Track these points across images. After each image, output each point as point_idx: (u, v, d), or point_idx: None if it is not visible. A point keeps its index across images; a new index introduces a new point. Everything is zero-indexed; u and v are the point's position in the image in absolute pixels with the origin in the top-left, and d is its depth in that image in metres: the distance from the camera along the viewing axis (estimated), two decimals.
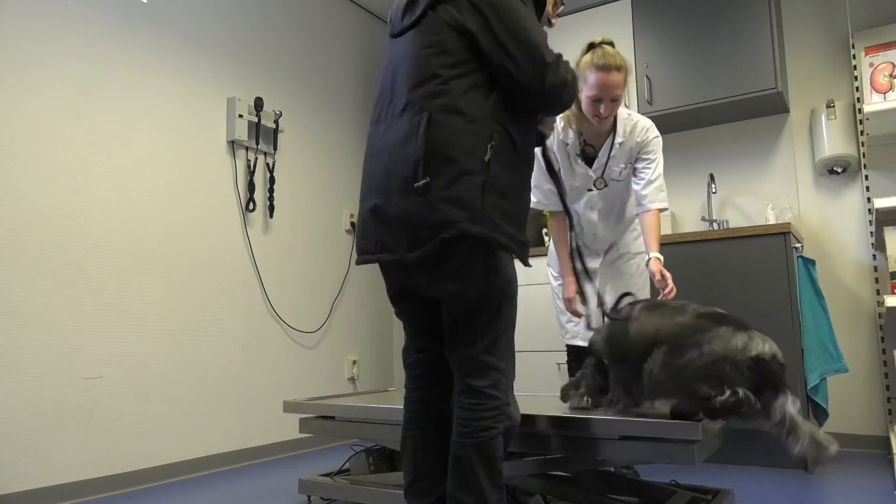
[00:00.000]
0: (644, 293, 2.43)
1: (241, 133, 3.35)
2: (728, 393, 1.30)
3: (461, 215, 1.42)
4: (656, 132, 2.36)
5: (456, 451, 1.49)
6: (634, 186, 2.37)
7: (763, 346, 1.37)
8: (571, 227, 2.00)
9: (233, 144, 3.37)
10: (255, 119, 3.42)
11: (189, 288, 3.07)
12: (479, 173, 1.45)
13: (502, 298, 1.53)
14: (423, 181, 1.43)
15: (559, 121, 2.36)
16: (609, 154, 2.35)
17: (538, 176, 2.35)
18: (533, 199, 2.39)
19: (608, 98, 2.21)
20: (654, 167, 2.33)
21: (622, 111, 2.34)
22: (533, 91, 1.51)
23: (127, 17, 2.93)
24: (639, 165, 2.35)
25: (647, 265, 2.29)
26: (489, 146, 1.46)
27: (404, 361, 1.75)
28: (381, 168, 1.54)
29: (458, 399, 1.53)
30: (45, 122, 2.59)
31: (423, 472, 1.63)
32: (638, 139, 2.33)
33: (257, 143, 3.45)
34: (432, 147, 1.45)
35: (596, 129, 2.33)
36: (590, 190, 2.42)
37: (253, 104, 3.42)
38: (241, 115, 3.35)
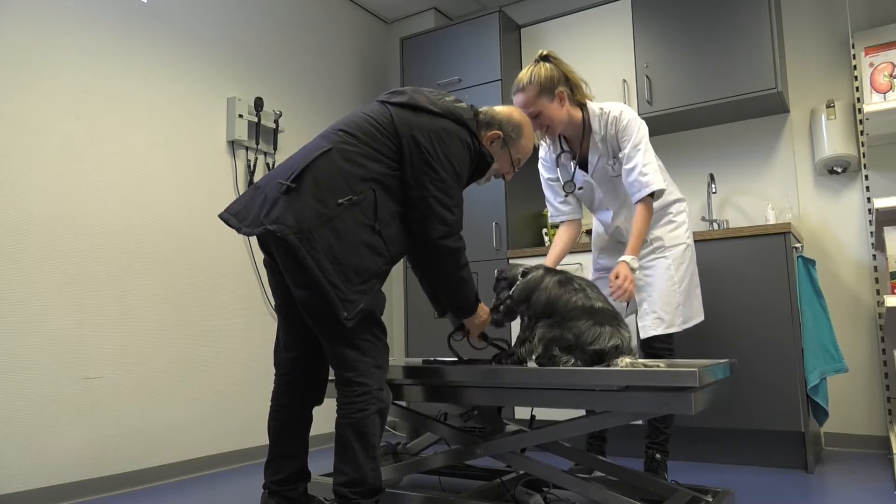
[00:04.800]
0: (680, 288, 2.34)
1: (241, 133, 3.36)
2: (571, 360, 1.84)
3: (292, 224, 1.67)
4: (629, 116, 2.28)
5: (337, 430, 1.75)
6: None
7: (608, 342, 1.83)
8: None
9: (233, 144, 3.37)
10: (255, 119, 3.42)
11: (189, 288, 3.07)
12: (327, 208, 1.70)
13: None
14: (289, 184, 1.72)
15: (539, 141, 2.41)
16: (595, 154, 2.34)
17: (548, 194, 2.51)
18: (554, 213, 2.52)
19: (528, 115, 2.23)
20: (630, 154, 2.24)
21: (593, 108, 2.32)
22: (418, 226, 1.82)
23: (127, 17, 2.93)
24: (620, 157, 2.29)
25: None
26: (350, 197, 1.72)
27: (275, 360, 1.97)
28: (283, 166, 1.83)
29: (336, 387, 1.78)
30: (44, 121, 2.59)
31: (278, 453, 1.91)
32: (612, 131, 2.29)
33: (257, 143, 3.45)
34: (312, 168, 1.74)
35: (571, 133, 2.34)
36: (571, 191, 2.42)
37: (253, 104, 3.42)
38: (241, 115, 3.35)
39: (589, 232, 2.87)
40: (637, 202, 2.24)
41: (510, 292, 2.03)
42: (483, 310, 2.04)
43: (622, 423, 1.89)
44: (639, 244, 2.24)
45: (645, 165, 2.22)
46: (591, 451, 2.45)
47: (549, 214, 2.53)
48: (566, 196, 2.44)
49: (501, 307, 2.07)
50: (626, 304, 2.45)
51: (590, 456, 2.23)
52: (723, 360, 1.94)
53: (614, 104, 2.33)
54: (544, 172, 2.50)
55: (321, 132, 1.90)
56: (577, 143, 2.37)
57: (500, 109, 2.05)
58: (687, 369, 1.63)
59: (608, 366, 1.79)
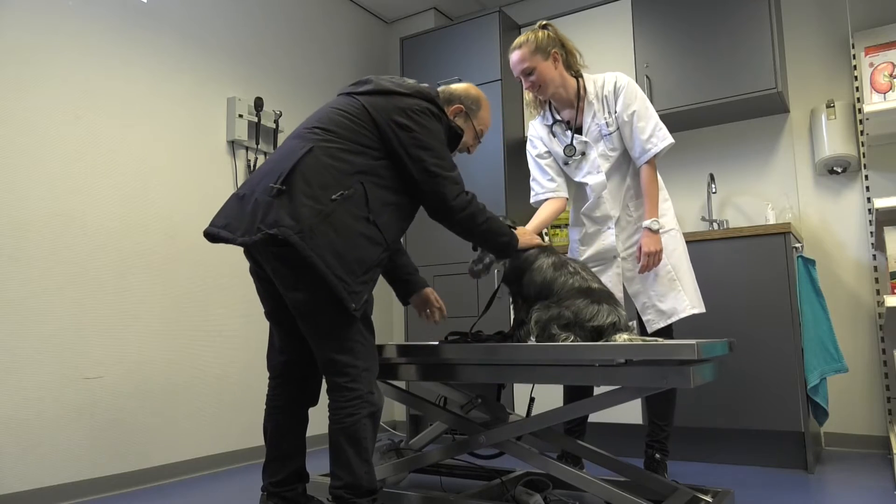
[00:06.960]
0: (679, 274, 2.31)
1: (241, 133, 3.36)
2: (570, 337, 1.87)
3: (291, 224, 1.66)
4: (624, 78, 2.34)
5: (330, 436, 1.77)
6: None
7: (606, 319, 1.86)
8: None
9: (233, 144, 3.37)
10: (255, 119, 3.42)
11: (189, 288, 3.07)
12: (322, 204, 1.70)
13: (346, 309, 1.71)
14: (279, 187, 1.70)
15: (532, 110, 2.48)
16: (590, 115, 2.35)
17: (535, 172, 2.48)
18: (539, 191, 2.46)
19: (521, 75, 2.32)
20: (634, 117, 2.28)
21: (588, 76, 2.39)
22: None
23: (127, 17, 2.93)
24: (622, 121, 2.30)
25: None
26: (342, 192, 1.73)
27: (269, 363, 1.99)
28: (262, 171, 1.82)
29: (328, 392, 1.78)
30: (44, 121, 2.59)
31: (276, 455, 1.93)
32: (609, 88, 2.34)
33: (257, 143, 3.45)
34: (299, 168, 1.73)
35: (562, 100, 2.38)
36: (567, 161, 2.41)
37: (253, 104, 3.42)
38: (241, 115, 3.35)
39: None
40: (643, 164, 2.29)
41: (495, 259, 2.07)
42: (523, 232, 2.10)
43: (623, 402, 1.90)
44: (654, 205, 2.28)
45: (651, 124, 2.27)
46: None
47: (532, 193, 2.47)
48: (568, 159, 2.40)
49: (481, 265, 2.09)
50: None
51: (588, 448, 2.21)
52: (721, 339, 1.94)
53: (611, 73, 2.41)
54: (533, 150, 2.48)
55: (293, 132, 1.89)
56: (572, 109, 2.40)
57: (456, 86, 2.12)
58: (685, 343, 1.64)
59: (606, 341, 1.80)
